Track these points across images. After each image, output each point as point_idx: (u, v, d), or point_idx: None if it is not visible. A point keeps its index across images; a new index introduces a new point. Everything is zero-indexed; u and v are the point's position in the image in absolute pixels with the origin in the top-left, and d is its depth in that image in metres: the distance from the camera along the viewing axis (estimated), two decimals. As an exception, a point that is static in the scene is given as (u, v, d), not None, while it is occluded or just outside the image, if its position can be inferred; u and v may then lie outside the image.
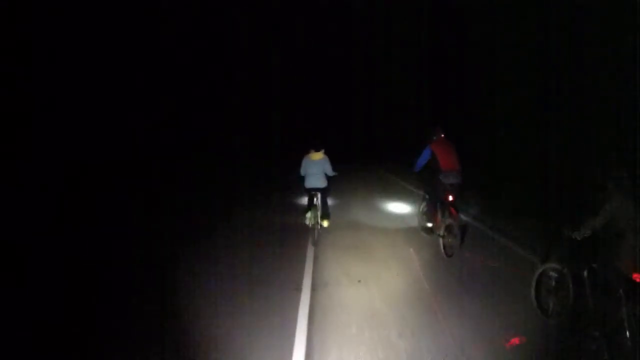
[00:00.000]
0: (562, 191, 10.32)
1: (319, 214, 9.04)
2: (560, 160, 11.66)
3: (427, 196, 9.07)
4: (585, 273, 5.31)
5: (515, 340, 5.30)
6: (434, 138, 8.53)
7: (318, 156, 9.05)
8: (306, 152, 9.17)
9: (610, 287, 4.96)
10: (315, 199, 9.05)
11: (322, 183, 9.08)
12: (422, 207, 9.38)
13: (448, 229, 8.13)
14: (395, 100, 25.78)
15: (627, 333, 4.67)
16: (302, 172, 9.09)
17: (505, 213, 10.83)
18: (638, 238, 4.74)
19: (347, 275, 7.52)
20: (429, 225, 8.86)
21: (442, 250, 8.15)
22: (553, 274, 5.73)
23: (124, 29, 18.62)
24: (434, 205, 8.64)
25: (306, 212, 9.16)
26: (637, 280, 4.66)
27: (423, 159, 8.44)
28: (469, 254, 8.29)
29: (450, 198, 8.11)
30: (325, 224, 9.27)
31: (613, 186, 4.92)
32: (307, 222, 9.08)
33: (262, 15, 24.08)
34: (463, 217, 9.62)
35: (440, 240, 8.31)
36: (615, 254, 4.88)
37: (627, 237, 4.78)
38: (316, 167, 9.00)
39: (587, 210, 5.09)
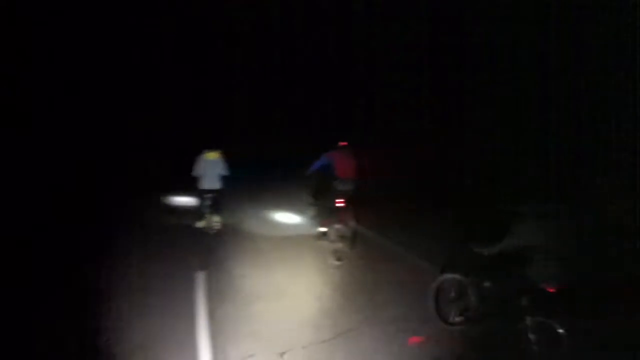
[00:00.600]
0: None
1: (212, 215, 8.97)
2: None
3: (318, 202, 9.03)
4: (488, 283, 5.42)
5: (416, 339, 5.38)
6: (336, 147, 8.53)
7: (214, 156, 8.83)
8: (200, 152, 8.96)
9: (513, 296, 5.09)
10: (208, 201, 8.80)
11: (217, 184, 8.88)
12: (312, 213, 9.30)
13: (338, 234, 8.17)
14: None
15: (532, 340, 4.86)
16: (196, 172, 8.80)
17: (408, 226, 10.54)
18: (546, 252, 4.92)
19: (241, 286, 7.10)
20: (321, 230, 8.74)
21: (333, 256, 8.06)
22: (454, 283, 5.76)
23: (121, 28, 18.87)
24: (325, 211, 8.60)
25: (201, 215, 8.96)
26: (549, 290, 4.85)
27: (319, 163, 8.42)
28: (361, 260, 8.26)
29: (342, 204, 8.15)
30: (217, 220, 9.16)
31: (526, 210, 5.11)
32: (201, 224, 8.94)
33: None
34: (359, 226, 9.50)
35: (330, 246, 8.25)
36: (521, 266, 5.00)
37: (533, 251, 4.95)
38: (211, 168, 8.77)
39: (495, 228, 5.24)
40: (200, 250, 8.40)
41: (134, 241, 8.74)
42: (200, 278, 7.11)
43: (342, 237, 8.08)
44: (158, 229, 9.76)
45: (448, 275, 5.85)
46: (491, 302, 5.36)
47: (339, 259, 7.95)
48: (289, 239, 9.48)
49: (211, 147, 8.91)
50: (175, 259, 7.90)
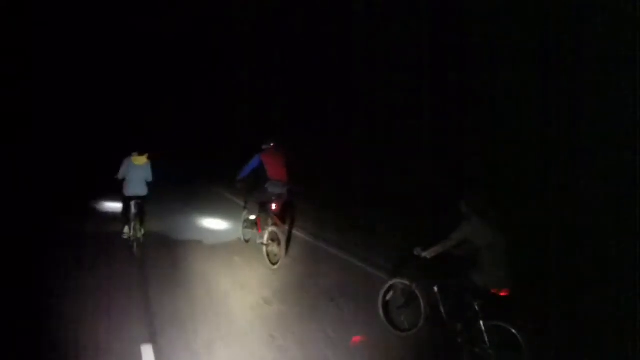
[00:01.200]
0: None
1: (138, 224, 8.14)
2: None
3: (249, 205, 8.68)
4: (436, 289, 5.25)
5: (357, 338, 5.35)
6: (266, 147, 8.18)
7: (142, 160, 8.12)
8: (127, 155, 8.17)
9: (464, 301, 4.98)
10: (134, 208, 8.10)
11: (144, 190, 8.16)
12: (244, 216, 8.87)
13: (272, 237, 7.91)
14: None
15: (487, 343, 4.76)
16: (122, 176, 8.09)
17: (346, 228, 10.31)
18: (494, 256, 4.83)
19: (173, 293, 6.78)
20: (252, 234, 8.48)
21: (267, 259, 7.90)
22: (403, 289, 5.59)
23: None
24: (258, 214, 8.30)
25: (124, 223, 8.21)
26: (501, 294, 4.78)
27: (250, 166, 8.06)
28: (297, 263, 8.12)
29: (275, 207, 7.94)
30: (142, 231, 8.35)
31: (469, 209, 4.97)
32: (126, 235, 8.15)
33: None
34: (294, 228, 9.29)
35: (264, 249, 7.96)
36: (472, 270, 4.90)
37: (483, 256, 4.84)
38: (139, 173, 8.06)
39: (442, 230, 5.12)
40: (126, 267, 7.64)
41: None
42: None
43: (276, 241, 7.78)
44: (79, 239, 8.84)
45: (396, 281, 5.67)
46: (442, 307, 5.19)
47: (274, 263, 7.78)
48: (220, 245, 8.98)
49: (139, 150, 8.12)
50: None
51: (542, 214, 7.77)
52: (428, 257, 5.03)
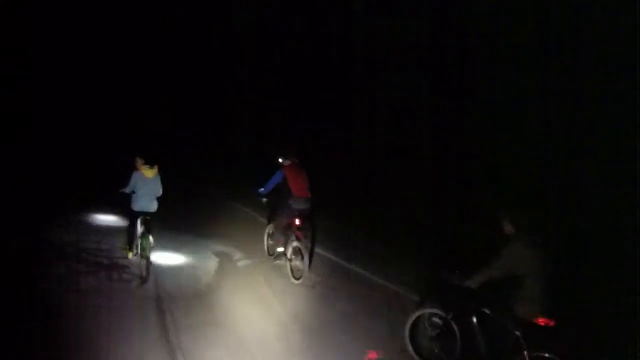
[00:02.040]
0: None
1: (150, 243, 7.26)
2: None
3: (273, 221, 8.51)
4: (475, 319, 4.85)
5: (373, 355, 5.06)
6: (287, 162, 8.06)
7: (152, 173, 7.53)
8: (135, 166, 7.54)
9: (505, 332, 4.60)
10: (141, 226, 7.39)
11: (154, 206, 7.56)
12: (267, 231, 8.72)
13: (295, 252, 7.81)
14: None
15: None
16: (130, 189, 7.47)
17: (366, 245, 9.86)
18: (540, 283, 4.48)
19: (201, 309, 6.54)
20: (279, 249, 8.26)
21: (290, 274, 7.80)
22: (435, 320, 5.20)
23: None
24: (281, 229, 8.17)
25: (129, 242, 7.60)
26: (541, 324, 4.41)
27: (273, 182, 7.98)
28: (320, 278, 7.94)
29: (298, 222, 7.85)
30: (151, 250, 7.58)
31: (514, 231, 4.65)
32: (132, 255, 7.56)
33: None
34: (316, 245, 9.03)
35: (288, 264, 7.87)
36: (514, 299, 4.55)
37: (527, 283, 4.49)
38: (149, 187, 7.47)
39: (475, 256, 4.89)
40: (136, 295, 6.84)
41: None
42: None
43: (300, 255, 7.67)
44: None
45: (427, 310, 5.27)
46: (480, 339, 4.79)
47: (297, 278, 7.68)
48: (242, 260, 8.72)
49: (148, 161, 7.54)
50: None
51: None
52: (472, 286, 4.66)
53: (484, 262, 4.61)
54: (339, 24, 16.49)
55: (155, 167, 7.57)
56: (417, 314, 5.30)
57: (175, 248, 8.83)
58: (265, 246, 8.71)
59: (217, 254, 8.83)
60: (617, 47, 8.42)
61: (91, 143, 16.15)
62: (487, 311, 4.74)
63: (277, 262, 8.21)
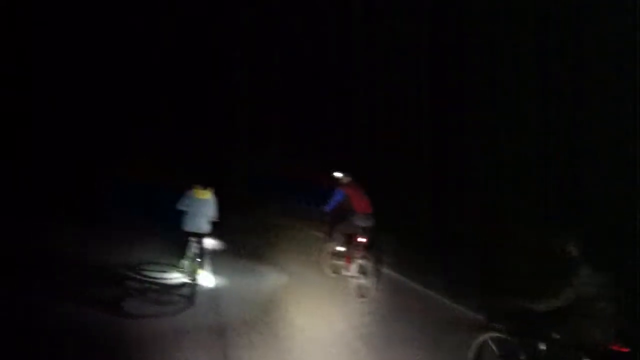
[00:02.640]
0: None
1: (200, 265, 7.26)
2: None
3: (335, 239, 8.52)
4: (542, 345, 4.65)
5: None
6: (346, 180, 8.15)
7: (205, 195, 7.50)
8: (189, 187, 7.57)
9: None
10: (193, 247, 7.32)
11: (205, 227, 7.44)
12: (329, 248, 8.71)
13: (360, 269, 7.82)
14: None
15: None
16: (181, 207, 7.44)
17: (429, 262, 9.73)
18: (609, 307, 4.30)
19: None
20: (340, 267, 8.32)
21: (355, 292, 7.80)
22: (500, 345, 5.00)
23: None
24: (344, 247, 8.23)
25: (180, 264, 7.51)
26: (615, 350, 4.24)
27: (335, 200, 8.11)
28: (385, 296, 7.87)
29: (363, 240, 7.87)
30: (208, 279, 7.60)
31: (577, 258, 4.46)
32: (183, 276, 7.39)
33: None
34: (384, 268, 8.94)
35: (353, 282, 7.89)
36: (584, 324, 4.36)
37: (598, 307, 4.30)
38: (199, 208, 7.40)
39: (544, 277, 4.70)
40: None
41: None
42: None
43: (365, 273, 7.71)
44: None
45: (493, 334, 5.08)
46: None
47: (362, 295, 7.69)
48: (303, 280, 8.59)
49: (202, 183, 7.56)
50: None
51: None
52: (543, 310, 4.49)
53: (554, 291, 4.43)
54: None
55: (209, 190, 7.55)
56: (484, 337, 5.13)
57: (232, 267, 8.65)
58: (328, 265, 8.69)
59: (277, 274, 8.79)
60: (618, 47, 8.42)
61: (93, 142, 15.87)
62: (556, 337, 4.55)
63: (341, 280, 8.19)
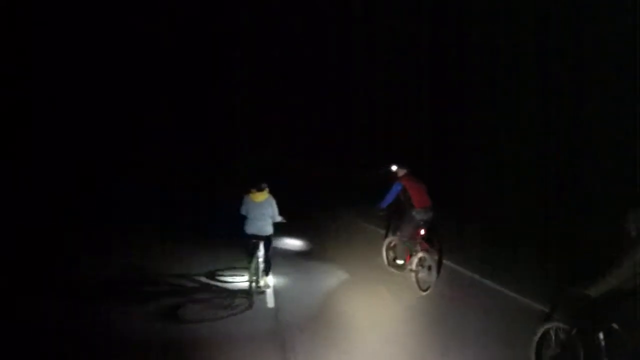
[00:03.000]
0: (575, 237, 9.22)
1: (261, 268, 7.34)
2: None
3: (394, 233, 8.45)
4: (602, 335, 4.37)
5: None
6: (402, 172, 8.01)
7: (261, 197, 7.41)
8: (246, 191, 7.54)
9: (637, 352, 4.14)
10: (257, 250, 7.30)
11: (267, 230, 7.40)
12: (388, 243, 8.66)
13: (421, 262, 7.72)
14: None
15: None
16: (243, 211, 7.49)
17: (494, 255, 9.70)
18: None
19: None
20: (400, 262, 8.26)
21: (416, 285, 7.70)
22: (559, 334, 4.75)
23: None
24: (404, 241, 8.10)
25: (247, 267, 7.45)
26: None
27: (392, 194, 7.93)
28: (448, 291, 7.75)
29: (423, 232, 7.80)
30: (269, 282, 7.66)
31: (636, 238, 4.15)
32: (248, 280, 7.25)
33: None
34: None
35: (413, 275, 7.78)
36: None
37: None
38: (259, 210, 7.34)
39: (603, 261, 4.28)
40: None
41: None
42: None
43: (426, 266, 7.58)
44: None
45: (552, 324, 4.85)
46: (605, 357, 4.32)
47: (425, 290, 7.58)
48: (364, 275, 8.61)
49: (256, 186, 7.42)
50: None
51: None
52: (593, 295, 4.24)
53: (604, 270, 4.19)
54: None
55: (265, 191, 7.44)
56: (544, 328, 4.91)
57: (292, 267, 8.86)
58: (385, 260, 8.64)
59: (338, 271, 8.81)
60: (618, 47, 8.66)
61: (93, 144, 15.88)
62: (616, 327, 4.30)
63: (401, 274, 8.14)
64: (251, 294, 7.08)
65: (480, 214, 12.04)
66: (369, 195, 9.03)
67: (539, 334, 4.94)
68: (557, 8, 10.93)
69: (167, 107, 20.74)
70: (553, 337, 4.82)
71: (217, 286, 7.92)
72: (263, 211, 7.35)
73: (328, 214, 13.55)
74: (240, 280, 7.87)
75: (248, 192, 7.48)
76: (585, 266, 6.74)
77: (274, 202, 7.48)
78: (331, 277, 8.59)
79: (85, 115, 16.32)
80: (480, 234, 10.93)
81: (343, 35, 18.97)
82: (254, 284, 7.17)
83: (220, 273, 8.41)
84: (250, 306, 6.93)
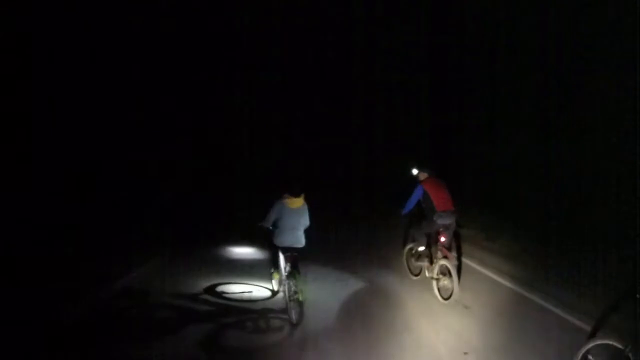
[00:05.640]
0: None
1: (299, 283, 6.44)
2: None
3: (416, 238, 8.17)
4: None
5: None
6: (424, 176, 7.78)
7: (298, 203, 6.59)
8: (280, 196, 6.70)
9: None
10: (288, 264, 6.57)
11: (302, 241, 6.64)
12: (409, 249, 8.46)
13: (442, 270, 7.49)
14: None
15: None
16: (269, 223, 6.64)
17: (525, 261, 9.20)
18: None
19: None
20: (423, 267, 8.03)
21: (438, 294, 7.52)
22: (610, 353, 4.57)
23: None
24: (426, 247, 7.92)
25: (273, 278, 7.01)
26: None
27: (414, 199, 7.65)
28: (470, 299, 7.52)
29: (443, 239, 7.50)
30: (301, 294, 6.56)
31: None
32: (279, 295, 6.79)
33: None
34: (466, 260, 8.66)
35: (434, 283, 7.61)
36: None
37: None
38: (295, 219, 6.54)
39: None
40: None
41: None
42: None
43: (447, 274, 7.34)
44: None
45: (601, 341, 4.69)
46: None
47: (446, 298, 7.37)
48: (383, 282, 8.43)
49: (294, 190, 6.58)
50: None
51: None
52: None
53: None
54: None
55: (302, 196, 6.67)
56: (588, 346, 4.72)
57: (312, 274, 8.05)
58: (407, 267, 8.48)
59: (358, 281, 8.50)
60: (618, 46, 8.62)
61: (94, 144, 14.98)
62: None
63: (424, 282, 7.94)
64: (289, 310, 6.42)
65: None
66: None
67: (582, 351, 4.75)
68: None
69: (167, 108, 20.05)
70: (602, 354, 4.64)
71: (229, 305, 7.14)
72: (299, 219, 6.59)
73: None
74: (252, 295, 7.37)
75: (281, 197, 6.67)
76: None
77: (307, 211, 6.76)
78: (353, 286, 8.26)
79: (86, 116, 15.92)
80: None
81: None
82: (289, 300, 6.42)
83: (222, 289, 7.70)
84: (292, 325, 6.31)
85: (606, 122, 10.03)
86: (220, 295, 7.55)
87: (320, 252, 8.82)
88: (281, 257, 6.75)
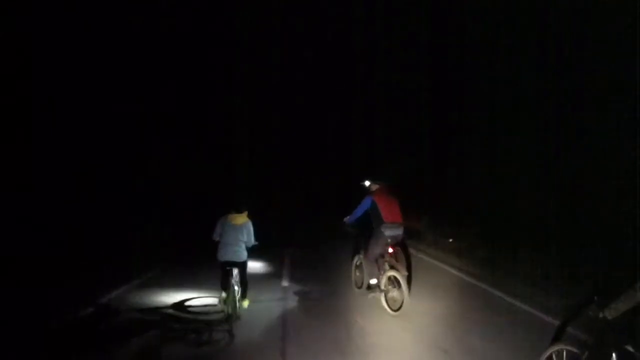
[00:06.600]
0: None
1: (237, 297, 6.50)
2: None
3: (362, 251, 7.94)
4: (615, 357, 4.05)
5: None
6: (375, 186, 7.63)
7: (240, 219, 6.73)
8: (223, 213, 6.87)
9: None
10: (231, 277, 6.54)
11: (241, 256, 6.66)
12: (356, 262, 8.24)
13: (390, 282, 7.21)
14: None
15: None
16: (216, 236, 6.74)
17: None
18: None
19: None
20: (372, 281, 7.67)
21: (386, 305, 7.18)
22: (569, 357, 4.41)
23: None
24: (372, 259, 7.55)
25: (221, 294, 6.83)
26: None
27: (361, 209, 7.48)
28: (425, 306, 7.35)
29: (391, 250, 7.36)
30: (245, 304, 6.83)
31: None
32: (223, 308, 6.61)
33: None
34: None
35: (383, 296, 7.31)
36: None
37: None
38: (235, 235, 6.63)
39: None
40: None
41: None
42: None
43: (396, 285, 7.05)
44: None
45: (559, 347, 4.54)
46: None
47: (395, 310, 6.98)
48: (331, 297, 8.07)
49: (237, 207, 6.76)
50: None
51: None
52: (609, 317, 3.94)
53: (622, 289, 3.88)
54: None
55: (244, 213, 6.81)
56: (549, 351, 4.57)
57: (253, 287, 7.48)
58: (353, 280, 8.23)
59: (298, 293, 8.19)
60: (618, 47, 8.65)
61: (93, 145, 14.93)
62: (631, 349, 3.97)
63: (371, 295, 7.60)
64: (231, 325, 6.35)
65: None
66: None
67: (544, 356, 4.61)
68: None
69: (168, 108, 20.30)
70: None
71: (188, 319, 6.95)
72: (239, 235, 6.64)
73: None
74: (214, 311, 7.08)
75: (226, 213, 6.80)
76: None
77: (251, 228, 6.77)
78: (296, 299, 7.91)
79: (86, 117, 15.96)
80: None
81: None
82: (232, 313, 6.39)
83: (190, 303, 7.62)
84: (232, 338, 6.17)
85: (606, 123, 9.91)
86: (185, 309, 7.39)
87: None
88: (227, 271, 6.65)
